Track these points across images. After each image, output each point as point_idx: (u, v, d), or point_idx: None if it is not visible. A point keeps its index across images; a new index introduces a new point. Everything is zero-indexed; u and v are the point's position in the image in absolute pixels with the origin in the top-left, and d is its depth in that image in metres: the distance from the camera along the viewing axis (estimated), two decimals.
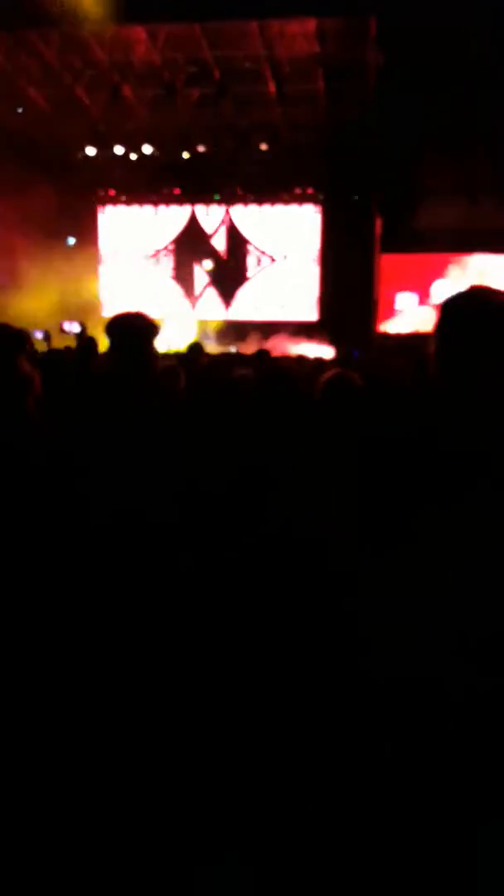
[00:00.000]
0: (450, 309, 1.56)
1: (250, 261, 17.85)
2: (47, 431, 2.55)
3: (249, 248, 17.77)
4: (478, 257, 14.77)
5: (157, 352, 2.89)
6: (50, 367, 4.34)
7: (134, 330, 2.86)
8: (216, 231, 17.84)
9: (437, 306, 1.59)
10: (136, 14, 12.88)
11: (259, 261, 17.79)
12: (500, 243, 14.98)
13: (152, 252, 18.09)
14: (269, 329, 16.07)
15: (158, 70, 14.46)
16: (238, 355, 11.01)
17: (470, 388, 1.50)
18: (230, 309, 17.97)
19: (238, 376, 5.33)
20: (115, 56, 14.11)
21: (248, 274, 17.86)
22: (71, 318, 15.34)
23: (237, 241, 17.82)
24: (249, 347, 13.14)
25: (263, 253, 17.70)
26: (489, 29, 12.10)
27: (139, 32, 13.64)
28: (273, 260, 17.61)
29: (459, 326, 1.52)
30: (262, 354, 8.75)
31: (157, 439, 2.45)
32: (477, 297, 1.56)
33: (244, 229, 17.68)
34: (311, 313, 17.28)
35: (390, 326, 16.19)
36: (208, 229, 17.85)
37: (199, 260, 17.94)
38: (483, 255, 14.70)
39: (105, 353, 2.97)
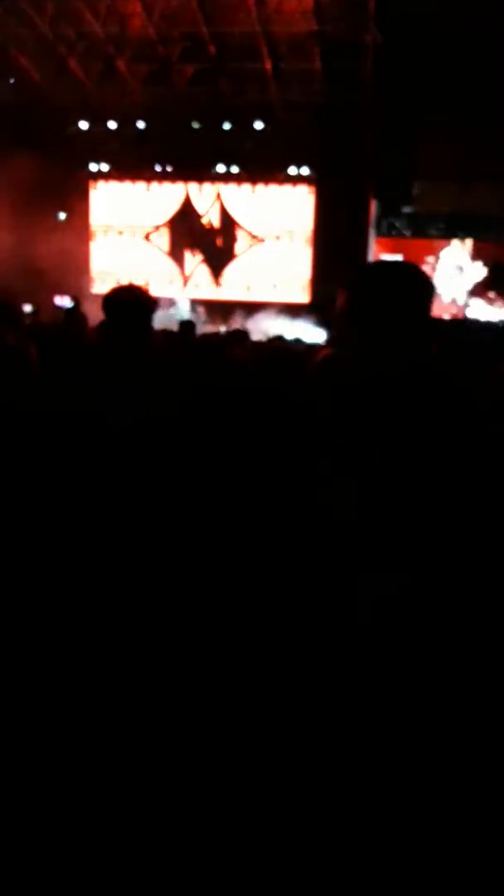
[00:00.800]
0: (359, 280, 1.71)
1: (240, 240, 17.73)
2: (39, 402, 2.53)
3: (238, 228, 17.63)
4: (468, 242, 14.75)
5: (153, 328, 2.87)
6: (37, 340, 4.32)
7: (133, 306, 2.83)
8: (209, 210, 17.70)
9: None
10: None
11: (249, 241, 17.67)
12: (491, 229, 14.98)
13: (144, 230, 17.93)
14: (257, 309, 15.99)
15: (153, 44, 14.32)
16: (228, 334, 10.99)
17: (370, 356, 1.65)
18: (220, 288, 17.87)
19: (232, 358, 5.35)
20: (110, 28, 13.94)
21: (237, 253, 17.75)
22: (62, 293, 15.24)
23: (228, 220, 17.69)
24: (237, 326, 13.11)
25: (252, 236, 17.58)
26: (487, 13, 12.03)
27: (135, 5, 13.48)
28: (262, 241, 17.50)
29: (362, 296, 1.67)
30: (241, 335, 8.77)
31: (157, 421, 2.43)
32: (383, 271, 1.75)
33: (236, 208, 17.54)
34: (302, 295, 17.21)
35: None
36: (200, 208, 17.70)
37: (191, 239, 17.81)
38: (474, 241, 14.67)
39: (99, 327, 2.94)
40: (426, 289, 1.70)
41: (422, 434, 1.60)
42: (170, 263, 18.05)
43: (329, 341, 9.94)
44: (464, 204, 14.46)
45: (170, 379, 3.14)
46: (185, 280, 18.05)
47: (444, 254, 15.23)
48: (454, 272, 15.29)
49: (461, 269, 15.34)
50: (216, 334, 12.16)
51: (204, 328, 13.53)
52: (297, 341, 9.10)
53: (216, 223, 17.73)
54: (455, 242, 14.88)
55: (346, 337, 1.70)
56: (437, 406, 1.64)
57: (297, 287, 17.31)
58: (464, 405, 1.72)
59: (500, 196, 14.36)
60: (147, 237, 17.74)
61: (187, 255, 18.00)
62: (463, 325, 12.89)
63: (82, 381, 2.91)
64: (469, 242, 14.72)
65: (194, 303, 17.12)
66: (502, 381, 4.17)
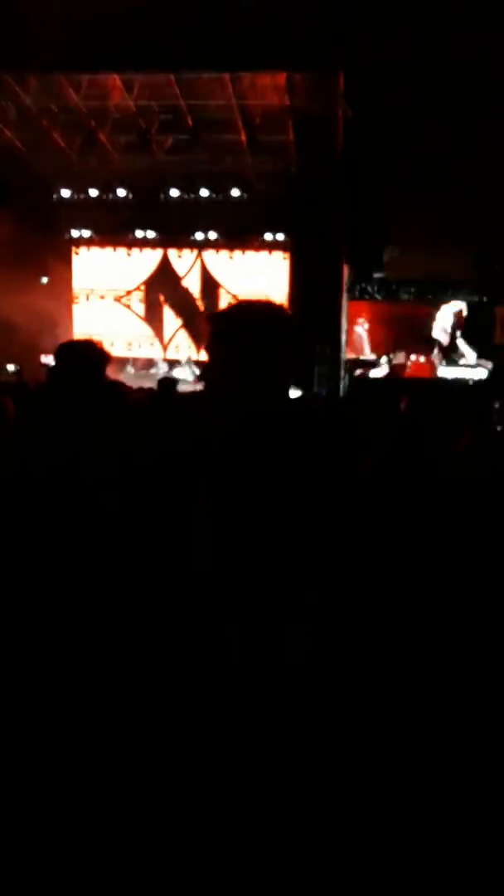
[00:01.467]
0: (219, 318, 1.77)
1: (222, 304, 18.11)
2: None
3: (221, 291, 18.03)
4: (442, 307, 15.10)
5: (107, 379, 3.03)
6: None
7: (82, 356, 3.01)
8: (187, 273, 18.11)
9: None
10: (112, 63, 13.25)
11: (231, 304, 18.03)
12: (460, 293, 15.40)
13: (123, 293, 18.30)
14: None
15: (133, 116, 14.83)
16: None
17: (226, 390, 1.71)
18: (202, 351, 18.15)
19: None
20: (91, 102, 14.45)
21: None
22: (47, 354, 15.54)
23: (209, 285, 18.09)
24: None
25: (235, 297, 17.97)
26: (452, 88, 12.58)
27: (114, 80, 14.01)
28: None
29: (222, 336, 1.73)
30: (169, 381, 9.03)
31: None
32: (241, 311, 1.78)
33: (216, 273, 17.97)
34: None
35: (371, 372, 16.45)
36: (180, 271, 18.12)
37: (171, 302, 18.17)
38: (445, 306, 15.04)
39: (48, 374, 3.10)
40: (282, 330, 1.72)
41: (269, 476, 1.61)
42: (147, 326, 18.37)
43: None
44: (433, 269, 14.86)
45: (115, 426, 3.28)
46: (165, 345, 18.35)
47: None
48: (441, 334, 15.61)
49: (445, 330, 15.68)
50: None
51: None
52: None
53: (197, 287, 18.12)
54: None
55: (205, 374, 1.80)
56: (287, 446, 1.68)
57: None
58: (319, 445, 1.81)
59: (467, 261, 14.79)
60: (119, 300, 18.06)
61: (168, 316, 18.33)
62: (434, 384, 13.18)
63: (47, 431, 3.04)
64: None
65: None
66: (476, 438, 4.31)
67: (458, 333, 14.81)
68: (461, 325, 14.73)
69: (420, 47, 11.30)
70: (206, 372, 1.76)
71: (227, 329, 1.72)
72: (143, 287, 18.23)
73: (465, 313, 14.76)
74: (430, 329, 15.03)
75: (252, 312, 1.76)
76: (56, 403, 3.07)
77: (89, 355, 3.05)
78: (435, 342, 14.88)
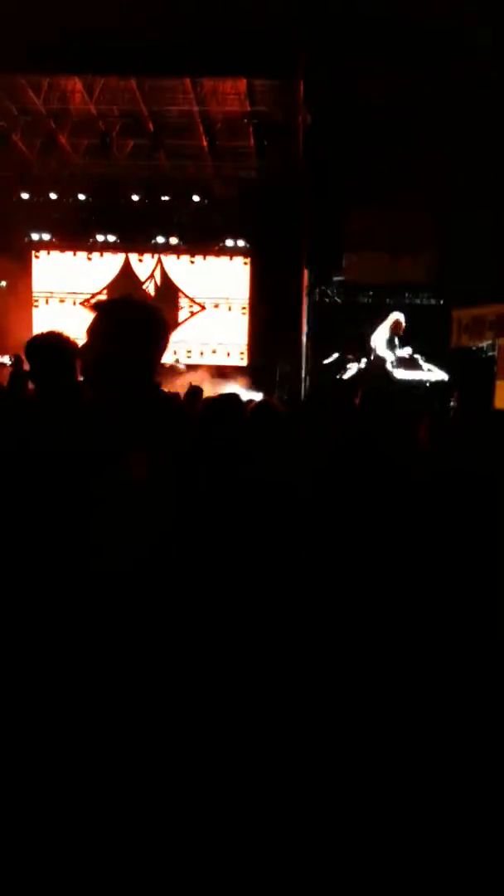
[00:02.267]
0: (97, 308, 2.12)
1: (183, 309, 18.16)
2: None
3: (181, 296, 18.08)
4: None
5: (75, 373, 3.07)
6: None
7: (52, 349, 3.05)
8: (149, 278, 18.13)
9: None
10: (73, 66, 13.26)
11: (191, 309, 18.11)
12: (418, 297, 15.66)
13: (85, 297, 18.23)
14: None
15: (94, 120, 14.84)
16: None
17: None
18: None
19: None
20: (51, 104, 14.43)
21: (179, 320, 18.15)
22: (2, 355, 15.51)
23: (170, 290, 18.12)
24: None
25: (193, 301, 18.03)
26: (410, 96, 12.81)
27: (75, 83, 14.01)
28: (203, 308, 17.96)
29: (92, 328, 2.08)
30: (196, 391, 9.20)
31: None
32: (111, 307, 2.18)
33: (176, 277, 18.02)
34: (240, 360, 17.65)
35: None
36: (141, 275, 18.13)
37: None
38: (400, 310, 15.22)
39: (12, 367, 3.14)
40: (146, 325, 2.08)
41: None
42: None
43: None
44: (391, 273, 15.07)
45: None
46: None
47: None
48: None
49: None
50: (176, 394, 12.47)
51: None
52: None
53: (157, 292, 18.14)
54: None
55: (83, 352, 2.12)
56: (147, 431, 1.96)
57: (235, 352, 17.75)
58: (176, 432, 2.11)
59: (425, 266, 15.04)
60: (84, 304, 17.99)
61: None
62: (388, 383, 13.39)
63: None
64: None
65: None
66: (433, 434, 4.42)
67: (396, 341, 15.02)
68: (398, 332, 14.96)
69: (380, 54, 11.47)
70: (85, 349, 2.08)
71: (101, 315, 2.08)
72: (105, 292, 18.18)
73: (403, 323, 14.98)
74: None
75: (123, 305, 2.19)
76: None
77: (60, 351, 3.07)
78: (370, 349, 15.08)
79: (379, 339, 15.08)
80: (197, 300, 18.00)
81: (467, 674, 2.57)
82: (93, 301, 2.41)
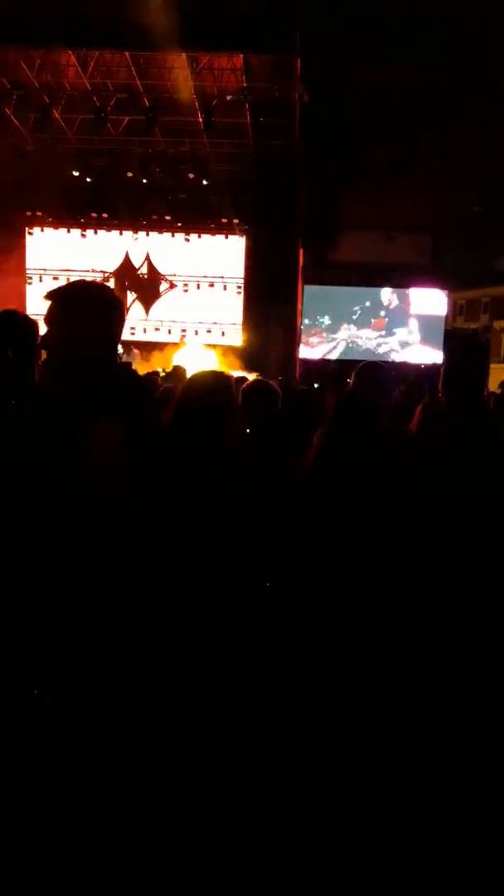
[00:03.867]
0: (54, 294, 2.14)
1: (177, 287, 18.05)
2: None
3: (176, 274, 17.95)
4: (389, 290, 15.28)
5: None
6: None
7: (12, 326, 2.98)
8: (143, 256, 17.99)
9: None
10: (67, 39, 13.05)
11: (186, 287, 18.00)
12: (410, 276, 15.58)
13: (80, 275, 18.04)
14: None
15: (88, 95, 14.65)
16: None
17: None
18: (158, 332, 18.05)
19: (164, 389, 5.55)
20: (45, 78, 14.24)
21: (173, 297, 18.06)
22: None
23: (164, 267, 18.00)
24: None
25: (185, 284, 17.93)
26: (407, 73, 12.68)
27: (69, 56, 13.82)
28: (198, 286, 17.84)
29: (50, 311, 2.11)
30: (178, 371, 9.06)
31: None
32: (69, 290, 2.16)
33: (171, 256, 17.88)
34: (235, 339, 17.56)
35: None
36: (134, 256, 18.00)
37: (129, 286, 18.04)
38: (396, 289, 15.22)
39: None
40: (104, 309, 2.11)
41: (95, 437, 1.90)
42: None
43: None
44: (387, 253, 15.01)
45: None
46: None
47: None
48: None
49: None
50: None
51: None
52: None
53: (151, 270, 18.03)
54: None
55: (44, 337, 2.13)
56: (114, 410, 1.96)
57: (231, 332, 17.66)
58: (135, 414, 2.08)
59: (420, 246, 14.97)
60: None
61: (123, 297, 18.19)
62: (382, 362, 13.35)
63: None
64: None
65: (127, 344, 17.17)
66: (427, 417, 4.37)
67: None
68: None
69: (378, 31, 11.35)
70: (45, 337, 2.10)
71: (56, 302, 2.09)
72: (99, 272, 18.04)
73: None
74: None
75: (79, 288, 2.21)
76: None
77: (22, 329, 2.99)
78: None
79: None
80: (191, 279, 17.87)
81: (468, 671, 2.55)
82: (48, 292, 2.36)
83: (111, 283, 17.92)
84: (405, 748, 2.40)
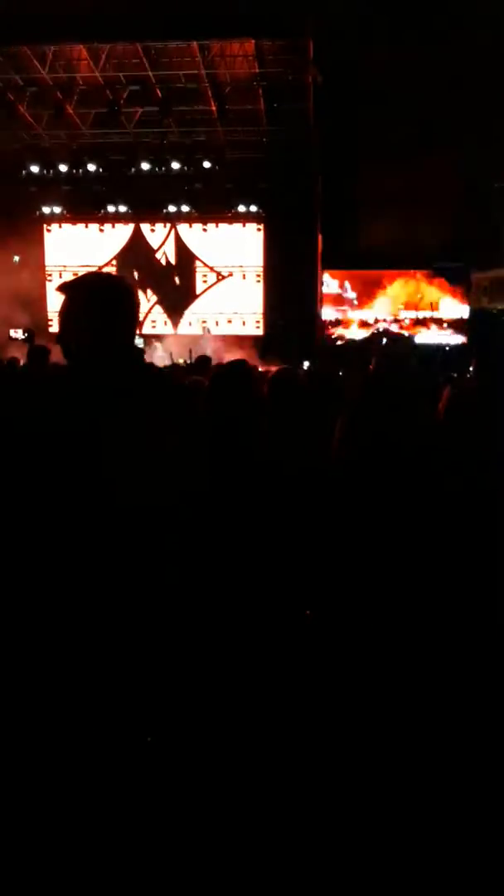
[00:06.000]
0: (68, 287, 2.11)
1: (198, 278, 18.01)
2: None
3: (197, 264, 17.91)
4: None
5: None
6: None
7: None
8: (161, 247, 17.96)
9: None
10: (78, 34, 13.04)
11: (206, 278, 17.95)
12: (434, 259, 15.41)
13: (96, 269, 18.11)
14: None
15: (101, 89, 14.62)
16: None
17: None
18: (178, 328, 18.05)
19: (191, 381, 5.53)
20: (57, 74, 14.23)
21: (197, 291, 17.99)
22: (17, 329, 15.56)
23: (184, 258, 17.95)
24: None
25: (212, 269, 17.85)
26: (421, 52, 12.50)
27: (80, 51, 13.81)
28: (221, 276, 17.78)
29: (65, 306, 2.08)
30: (205, 361, 9.04)
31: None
32: (81, 284, 2.12)
33: (190, 246, 17.83)
34: (256, 329, 17.50)
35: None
36: (154, 246, 17.97)
37: (144, 277, 18.00)
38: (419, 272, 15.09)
39: None
40: (119, 300, 2.08)
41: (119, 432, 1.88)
42: None
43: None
44: (407, 235, 14.84)
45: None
46: (141, 321, 18.20)
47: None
48: None
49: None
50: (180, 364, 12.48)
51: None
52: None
53: (172, 261, 17.98)
54: None
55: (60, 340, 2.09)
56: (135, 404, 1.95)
57: (251, 321, 17.60)
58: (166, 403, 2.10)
59: (440, 228, 14.78)
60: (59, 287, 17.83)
61: (141, 293, 18.16)
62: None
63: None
64: None
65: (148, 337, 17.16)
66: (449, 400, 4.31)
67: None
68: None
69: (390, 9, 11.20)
70: (60, 333, 2.06)
71: (69, 296, 2.06)
72: (115, 263, 18.04)
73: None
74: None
75: (89, 282, 2.17)
76: None
77: None
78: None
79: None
80: (215, 268, 17.82)
81: (472, 670, 2.49)
82: (60, 284, 2.36)
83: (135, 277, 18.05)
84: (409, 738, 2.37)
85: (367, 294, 16.47)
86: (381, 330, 15.06)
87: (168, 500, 1.92)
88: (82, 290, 2.08)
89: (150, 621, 1.91)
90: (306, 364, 13.03)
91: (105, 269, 17.96)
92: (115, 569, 1.87)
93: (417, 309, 15.84)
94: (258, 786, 2.24)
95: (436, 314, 15.64)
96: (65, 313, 2.05)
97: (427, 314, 15.64)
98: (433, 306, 15.74)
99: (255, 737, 2.29)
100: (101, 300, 2.05)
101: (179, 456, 1.98)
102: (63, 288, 2.08)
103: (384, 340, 13.87)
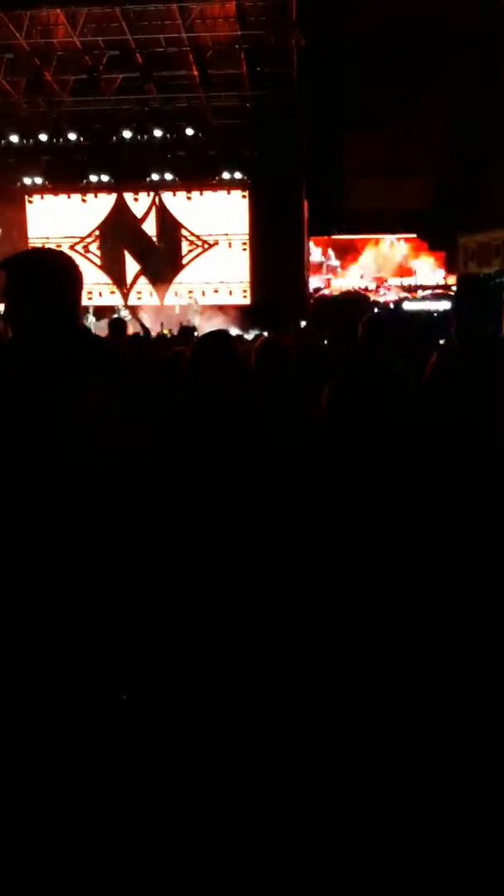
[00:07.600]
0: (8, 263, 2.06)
1: (184, 247, 17.79)
2: None
3: (182, 232, 17.68)
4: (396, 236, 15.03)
5: None
6: None
7: None
8: (145, 217, 17.71)
9: None
10: None
11: (192, 246, 17.74)
12: (420, 222, 15.26)
13: (79, 241, 17.88)
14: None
15: (79, 54, 14.33)
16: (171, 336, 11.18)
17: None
18: (164, 299, 17.87)
19: (173, 352, 5.45)
20: (34, 39, 13.93)
21: (183, 261, 17.79)
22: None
23: (169, 227, 17.72)
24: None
25: (198, 237, 17.63)
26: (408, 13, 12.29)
27: (57, 15, 13.50)
28: (207, 245, 17.57)
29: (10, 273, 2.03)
30: (189, 331, 8.96)
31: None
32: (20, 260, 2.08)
33: (176, 214, 17.59)
34: (243, 298, 17.35)
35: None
36: (138, 216, 17.72)
37: (129, 247, 17.78)
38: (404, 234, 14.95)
39: None
40: (59, 275, 2.04)
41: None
42: (104, 275, 18.01)
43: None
44: (393, 200, 14.69)
45: None
46: (126, 292, 18.02)
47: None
48: None
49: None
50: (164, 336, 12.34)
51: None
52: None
53: (156, 230, 17.75)
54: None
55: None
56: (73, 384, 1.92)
57: (238, 290, 17.44)
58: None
59: (427, 190, 14.63)
60: (74, 248, 17.63)
61: (128, 263, 17.96)
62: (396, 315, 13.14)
63: None
64: None
65: (133, 308, 16.99)
66: (434, 367, 4.25)
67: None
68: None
69: None
70: (4, 308, 2.03)
71: (8, 273, 2.01)
72: (98, 233, 17.81)
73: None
74: None
75: (29, 257, 2.16)
76: None
77: None
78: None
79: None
80: (201, 236, 17.60)
81: (470, 661, 2.46)
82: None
83: (97, 246, 17.80)
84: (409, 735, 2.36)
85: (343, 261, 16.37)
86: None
87: (111, 470, 1.91)
88: (22, 266, 2.06)
89: (100, 580, 1.89)
90: (303, 323, 12.88)
91: (88, 241, 17.79)
92: (57, 534, 1.86)
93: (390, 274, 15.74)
94: (233, 751, 2.24)
95: (414, 280, 15.51)
96: (5, 290, 2.02)
97: (410, 280, 15.51)
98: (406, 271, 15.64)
99: (233, 702, 2.27)
100: (41, 275, 2.03)
101: (122, 425, 1.96)
102: (2, 265, 2.04)
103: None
